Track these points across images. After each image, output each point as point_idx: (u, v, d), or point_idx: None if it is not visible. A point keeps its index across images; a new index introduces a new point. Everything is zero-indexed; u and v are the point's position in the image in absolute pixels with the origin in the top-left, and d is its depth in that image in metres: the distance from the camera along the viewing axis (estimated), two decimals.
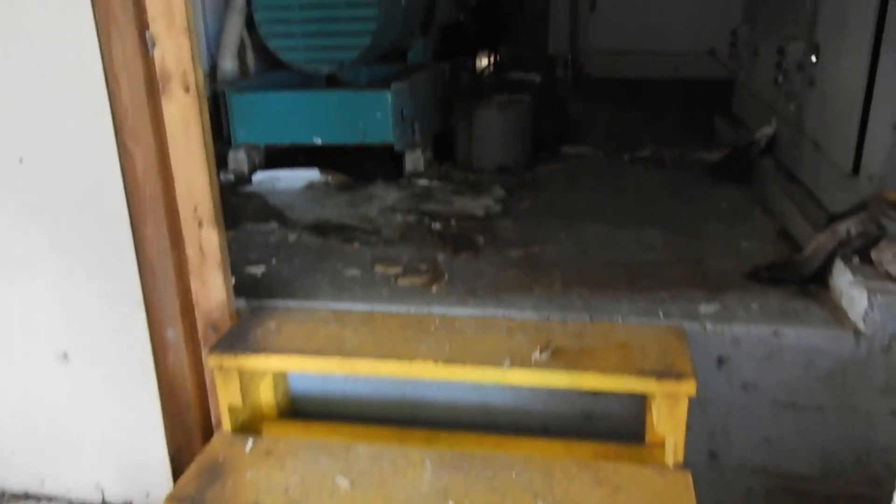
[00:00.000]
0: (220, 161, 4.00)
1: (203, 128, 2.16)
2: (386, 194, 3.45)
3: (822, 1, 2.96)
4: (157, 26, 2.08)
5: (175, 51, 2.10)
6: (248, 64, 4.33)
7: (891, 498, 1.35)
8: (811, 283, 2.28)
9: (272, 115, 3.68)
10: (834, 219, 2.37)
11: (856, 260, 2.17)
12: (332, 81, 3.89)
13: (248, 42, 4.14)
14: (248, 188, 3.68)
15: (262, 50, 4.01)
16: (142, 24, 2.07)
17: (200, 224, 2.21)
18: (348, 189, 3.59)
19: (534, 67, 5.18)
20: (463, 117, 3.91)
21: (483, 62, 6.17)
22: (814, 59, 2.98)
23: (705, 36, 7.21)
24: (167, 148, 2.17)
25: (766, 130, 3.63)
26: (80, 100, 2.09)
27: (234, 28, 4.20)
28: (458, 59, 4.95)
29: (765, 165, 3.53)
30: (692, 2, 7.24)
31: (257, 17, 3.74)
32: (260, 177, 3.72)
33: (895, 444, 1.43)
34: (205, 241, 2.22)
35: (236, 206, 3.34)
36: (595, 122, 5.47)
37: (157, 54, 2.10)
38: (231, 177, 3.82)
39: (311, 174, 3.70)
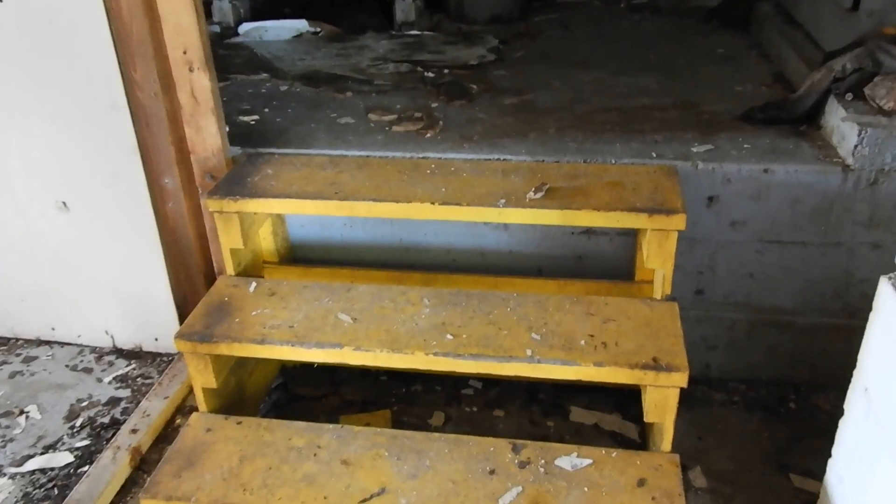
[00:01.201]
0: (205, 12, 3.88)
1: None
2: (377, 45, 3.37)
3: None
4: None
5: None
6: None
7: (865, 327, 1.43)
8: (804, 123, 2.30)
9: None
10: (830, 56, 2.35)
11: (849, 97, 2.17)
12: None
13: None
14: (235, 39, 3.59)
15: None
16: None
17: (191, 68, 2.17)
18: (338, 40, 3.50)
19: None
20: None
21: None
22: None
23: None
24: None
25: None
26: None
27: None
28: None
29: (763, 9, 3.44)
30: None
31: None
32: (247, 27, 3.61)
33: (874, 275, 1.49)
34: (196, 85, 2.19)
35: (224, 58, 3.27)
36: None
37: None
38: (217, 28, 3.71)
39: (300, 24, 3.59)
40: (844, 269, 2.10)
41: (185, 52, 2.15)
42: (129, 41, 2.13)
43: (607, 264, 2.23)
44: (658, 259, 1.85)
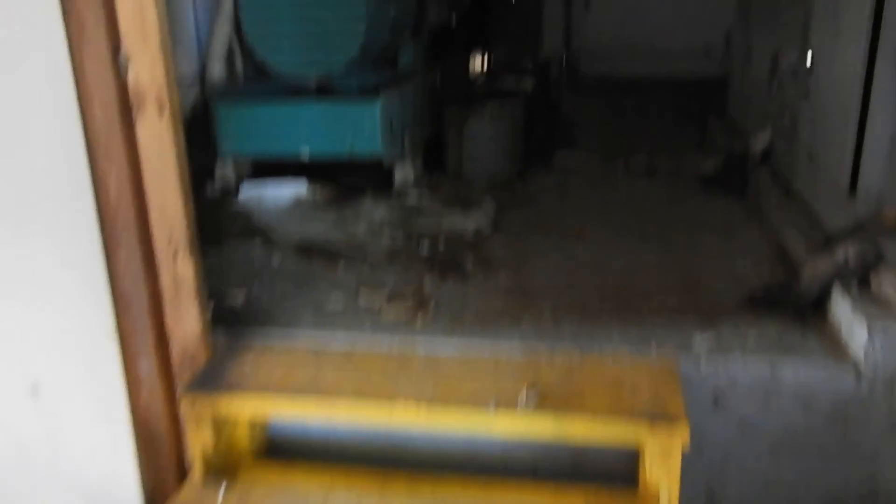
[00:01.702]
0: (208, 172, 3.93)
1: (178, 150, 2.07)
2: (374, 210, 3.36)
3: (816, 7, 2.88)
4: (130, 46, 1.99)
5: (149, 71, 2.00)
6: (237, 69, 4.24)
7: None
8: (809, 312, 2.21)
9: (258, 125, 3.58)
10: (831, 240, 2.29)
11: (855, 288, 2.08)
12: (321, 88, 3.78)
13: (236, 47, 4.03)
14: (235, 202, 3.59)
15: (251, 55, 3.90)
16: (115, 44, 1.99)
17: (176, 252, 2.12)
18: (336, 203, 3.50)
19: (527, 71, 5.09)
20: (454, 126, 3.82)
21: (477, 62, 6.07)
22: (808, 63, 2.89)
23: (701, 34, 7.11)
24: (141, 172, 2.08)
25: (761, 140, 3.55)
26: (52, 122, 2.00)
27: (223, 33, 4.10)
28: (450, 62, 4.85)
29: (760, 176, 3.44)
30: (692, 2, 7.14)
31: (244, 24, 3.64)
32: (247, 190, 3.63)
33: None
34: (180, 269, 2.14)
35: (221, 223, 3.26)
36: (589, 122, 5.37)
37: (130, 75, 2.00)
38: (218, 188, 3.73)
39: (299, 187, 3.61)
40: (869, 477, 1.95)
41: (170, 237, 2.11)
42: (115, 226, 2.09)
43: (609, 464, 2.07)
44: (662, 474, 1.71)
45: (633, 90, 6.70)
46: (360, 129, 3.45)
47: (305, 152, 3.54)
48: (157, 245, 2.13)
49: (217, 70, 4.02)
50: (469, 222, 3.16)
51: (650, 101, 6.16)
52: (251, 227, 3.21)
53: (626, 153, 4.24)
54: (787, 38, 3.13)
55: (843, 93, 2.55)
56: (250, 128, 3.59)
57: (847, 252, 2.12)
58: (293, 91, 3.71)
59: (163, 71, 1.97)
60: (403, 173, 3.64)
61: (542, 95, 4.82)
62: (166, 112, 2.01)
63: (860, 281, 2.10)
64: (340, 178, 3.76)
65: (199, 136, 3.82)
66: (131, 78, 1.99)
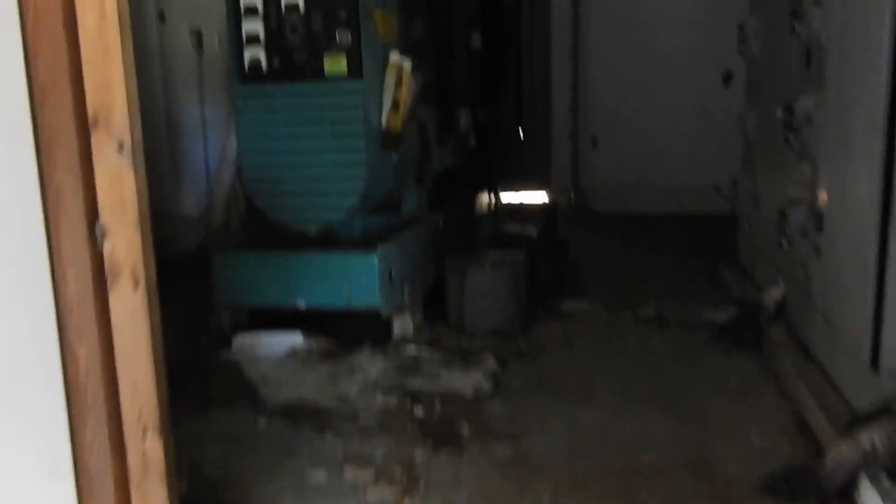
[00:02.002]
0: (203, 320, 3.84)
1: (152, 326, 1.97)
2: (370, 365, 3.22)
3: (823, 163, 2.82)
4: (107, 217, 1.93)
5: (126, 244, 1.93)
6: (238, 215, 4.25)
7: None
8: (835, 501, 2.01)
9: (253, 276, 3.52)
10: (855, 423, 2.12)
11: (885, 481, 1.89)
12: (321, 237, 3.74)
13: (240, 193, 4.05)
14: (228, 353, 3.47)
15: (251, 202, 3.90)
16: (92, 215, 1.93)
17: (145, 430, 1.98)
18: (332, 357, 3.37)
19: (533, 214, 5.07)
20: (455, 276, 3.73)
21: (483, 200, 6.10)
22: (818, 225, 2.81)
23: (710, 171, 7.15)
24: (113, 346, 1.98)
25: (774, 294, 3.42)
26: (22, 291, 1.91)
27: (225, 179, 4.13)
28: (454, 204, 4.84)
29: (775, 332, 3.29)
30: (696, 138, 7.23)
31: (244, 174, 3.65)
32: (240, 342, 3.51)
33: None
34: (149, 449, 1.99)
35: (210, 377, 3.13)
36: (597, 263, 5.30)
37: (106, 247, 1.94)
38: (212, 339, 3.63)
39: (294, 338, 3.49)
40: None
41: (140, 415, 1.98)
42: (83, 402, 1.96)
43: None
44: None
45: (642, 227, 6.69)
46: (358, 280, 3.37)
47: (302, 305, 3.45)
48: (126, 422, 1.99)
49: (217, 217, 4.02)
50: (468, 382, 3.00)
51: (660, 238, 6.12)
52: (239, 384, 3.07)
53: (635, 299, 4.12)
54: (794, 194, 3.07)
55: (857, 254, 2.44)
56: (246, 278, 3.52)
57: (873, 439, 1.95)
58: (293, 239, 3.68)
59: (139, 244, 1.90)
60: (402, 325, 3.53)
61: (548, 237, 4.76)
62: (141, 286, 1.92)
63: (889, 471, 1.92)
64: (339, 328, 3.65)
65: (199, 280, 3.77)
66: (107, 250, 1.92)
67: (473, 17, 5.48)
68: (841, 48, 2.59)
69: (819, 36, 2.75)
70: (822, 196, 2.77)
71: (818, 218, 2.79)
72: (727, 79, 7.03)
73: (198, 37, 5.60)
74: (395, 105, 3.70)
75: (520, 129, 7.29)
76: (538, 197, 7.72)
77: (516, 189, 7.51)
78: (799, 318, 3.15)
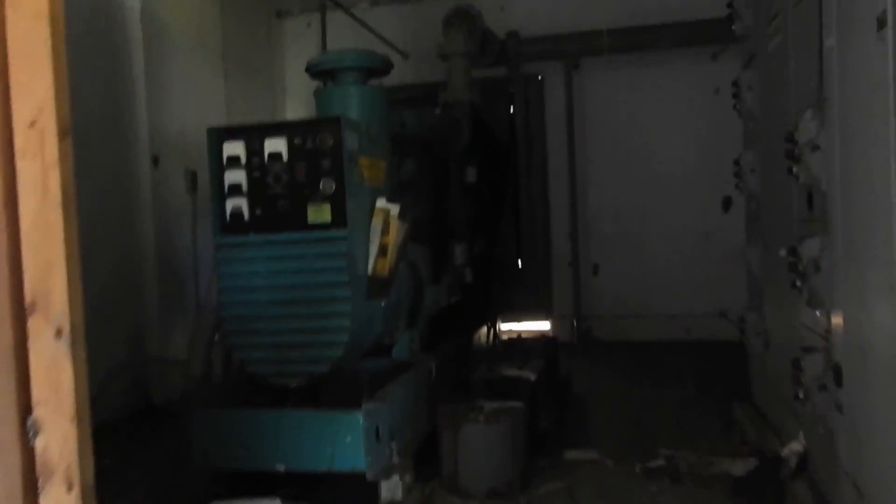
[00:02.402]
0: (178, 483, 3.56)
1: None
2: None
3: (836, 310, 2.62)
4: (41, 411, 1.73)
5: (61, 440, 1.72)
6: (222, 362, 4.05)
7: None
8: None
9: (229, 435, 3.27)
10: None
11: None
12: (303, 392, 3.51)
13: (220, 345, 3.86)
14: None
15: (232, 355, 3.71)
16: (24, 408, 1.73)
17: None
18: None
19: (533, 349, 4.84)
20: (447, 429, 3.48)
21: (481, 334, 5.89)
22: (838, 380, 2.58)
23: (716, 297, 6.98)
24: None
25: (795, 447, 3.15)
26: None
27: (207, 326, 3.96)
28: (449, 345, 4.63)
29: (798, 490, 3.00)
30: (698, 263, 7.11)
31: (224, 326, 3.48)
32: None
33: None
34: None
35: None
36: (602, 403, 5.02)
37: (38, 443, 1.73)
38: None
39: None
40: None
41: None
42: None
43: None
44: None
45: (648, 357, 6.44)
46: (341, 442, 3.12)
47: (281, 468, 3.19)
48: None
49: (200, 367, 3.82)
50: None
51: (667, 370, 5.87)
52: None
53: (644, 446, 3.84)
54: (807, 341, 2.86)
55: (887, 419, 2.21)
56: (221, 439, 3.27)
57: None
58: (274, 393, 3.45)
59: (76, 441, 1.70)
60: (390, 489, 3.24)
61: (549, 378, 4.51)
62: (76, 489, 1.70)
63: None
64: (323, 488, 3.37)
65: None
66: (39, 447, 1.72)
67: (467, 152, 5.47)
68: (845, 192, 2.46)
69: (820, 179, 2.63)
70: (839, 347, 2.56)
71: (836, 371, 2.57)
72: (727, 204, 6.99)
73: (192, 178, 5.60)
74: (383, 250, 3.58)
75: (518, 259, 7.19)
76: (539, 326, 7.53)
77: (516, 319, 7.32)
78: (824, 477, 2.86)
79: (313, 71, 4.10)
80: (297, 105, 7.43)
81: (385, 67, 4.14)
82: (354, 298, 3.34)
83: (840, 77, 2.45)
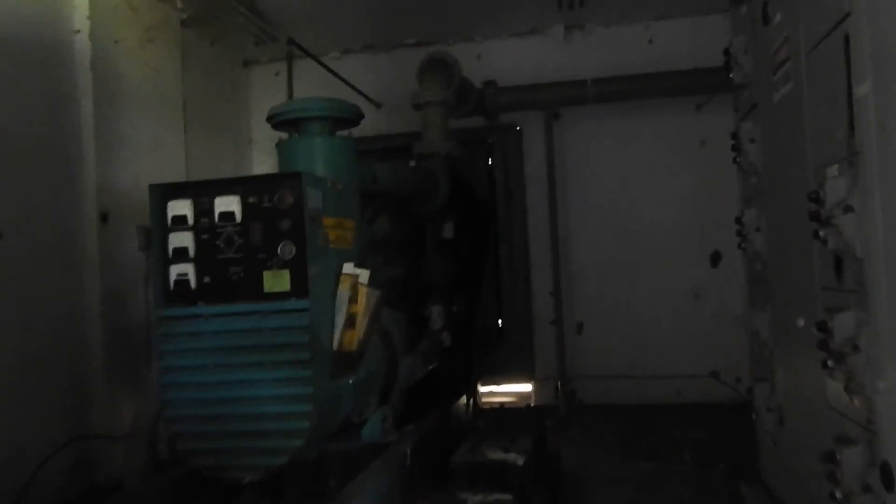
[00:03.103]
0: None
1: None
2: None
3: (883, 402, 2.24)
4: None
5: None
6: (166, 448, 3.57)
7: None
8: None
9: None
10: None
11: None
12: (255, 487, 3.05)
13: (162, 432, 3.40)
14: None
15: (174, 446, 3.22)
16: None
17: None
18: None
19: (518, 420, 4.42)
20: None
21: (461, 405, 5.44)
22: (887, 479, 2.19)
23: (707, 357, 6.64)
24: None
25: None
26: None
27: (150, 411, 3.49)
28: (426, 422, 4.19)
29: None
30: (687, 321, 6.76)
31: (166, 412, 3.01)
32: None
33: None
34: None
35: None
36: (594, 484, 4.58)
37: None
38: None
39: None
40: None
41: None
42: None
43: None
44: None
45: (640, 423, 6.02)
46: None
47: None
48: None
49: (142, 455, 3.34)
50: None
51: (662, 440, 5.46)
52: None
53: None
54: (843, 431, 2.48)
55: None
56: None
57: None
58: (225, 492, 2.98)
59: None
60: None
61: (539, 455, 4.08)
62: None
63: None
64: None
65: None
66: None
67: (445, 208, 5.11)
68: (889, 261, 2.10)
69: (853, 245, 2.28)
70: (888, 445, 2.18)
71: (885, 471, 2.18)
72: (716, 260, 6.69)
73: (146, 236, 5.14)
74: (351, 322, 3.16)
75: (499, 318, 6.77)
76: (521, 388, 7.12)
77: (497, 382, 6.90)
78: None
79: (276, 121, 3.74)
80: (265, 159, 7.03)
81: (354, 117, 3.79)
82: (318, 378, 2.90)
83: (879, 128, 2.11)
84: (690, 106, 6.65)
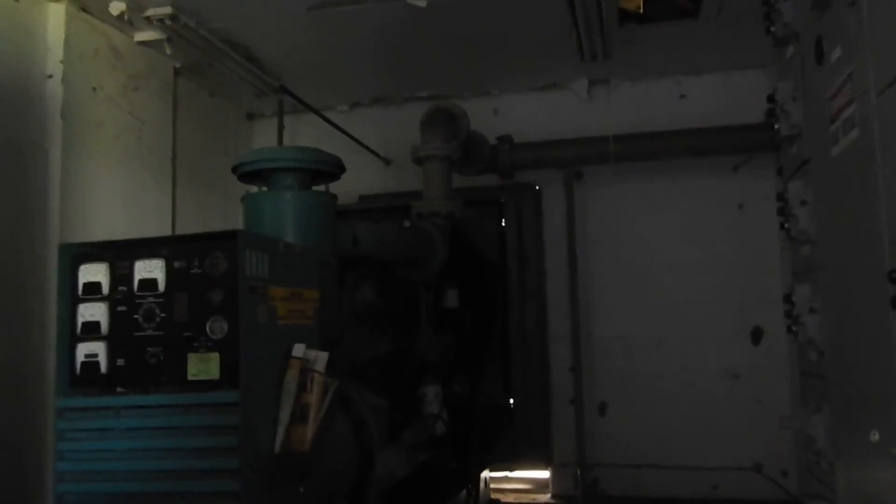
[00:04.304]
0: None
1: None
2: None
3: None
4: None
5: None
6: None
7: None
8: None
9: None
10: None
11: None
12: None
13: None
14: None
15: None
16: None
17: None
18: None
19: None
20: None
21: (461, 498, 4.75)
22: None
23: (748, 447, 5.88)
24: None
25: None
26: None
27: None
28: None
29: None
30: (724, 406, 6.03)
31: None
32: None
33: None
34: None
35: None
36: None
37: None
38: None
39: None
40: None
41: None
42: None
43: None
44: None
45: None
46: None
47: None
48: None
49: None
50: None
51: None
52: None
53: None
54: None
55: None
56: None
57: None
58: None
59: None
60: None
61: None
62: None
63: None
64: None
65: None
66: None
67: (446, 274, 4.52)
68: None
69: None
70: None
71: None
72: (757, 337, 5.98)
73: None
74: (303, 415, 2.55)
75: (509, 398, 6.09)
76: (536, 476, 6.40)
77: (508, 468, 6.18)
78: None
79: (240, 172, 3.24)
80: None
81: (333, 170, 3.27)
82: (250, 490, 2.29)
83: None
84: (726, 167, 6.05)
